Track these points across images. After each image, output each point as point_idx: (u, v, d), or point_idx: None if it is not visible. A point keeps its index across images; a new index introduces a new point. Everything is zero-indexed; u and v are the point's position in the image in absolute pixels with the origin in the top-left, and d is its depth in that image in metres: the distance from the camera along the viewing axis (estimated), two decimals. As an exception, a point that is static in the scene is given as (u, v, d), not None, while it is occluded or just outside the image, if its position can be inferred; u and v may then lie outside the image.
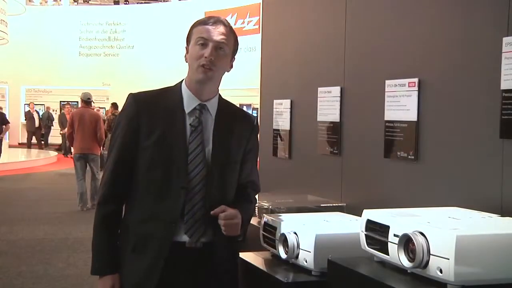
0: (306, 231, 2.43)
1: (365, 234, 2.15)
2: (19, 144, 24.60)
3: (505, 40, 2.27)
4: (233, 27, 2.30)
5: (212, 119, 2.21)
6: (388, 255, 2.00)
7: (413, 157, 2.74)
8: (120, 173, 2.19)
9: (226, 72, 2.26)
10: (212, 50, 2.12)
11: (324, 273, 2.30)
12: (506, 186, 2.28)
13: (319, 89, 3.54)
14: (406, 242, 1.90)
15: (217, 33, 2.14)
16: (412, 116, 2.75)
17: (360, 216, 2.21)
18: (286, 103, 3.95)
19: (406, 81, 2.79)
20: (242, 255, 2.69)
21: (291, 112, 3.92)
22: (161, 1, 27.15)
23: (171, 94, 2.22)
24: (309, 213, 2.99)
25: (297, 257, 2.45)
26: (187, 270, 2.15)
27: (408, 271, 1.92)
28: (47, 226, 8.35)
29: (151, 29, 24.55)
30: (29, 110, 23.08)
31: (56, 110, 24.50)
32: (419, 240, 1.84)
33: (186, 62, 2.20)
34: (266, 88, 4.38)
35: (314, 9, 3.75)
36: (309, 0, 3.86)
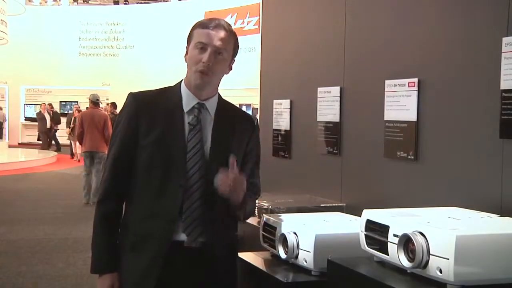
0: (306, 231, 2.43)
1: (365, 234, 2.15)
2: (19, 144, 24.59)
3: (505, 40, 2.28)
4: (233, 27, 2.29)
5: (211, 118, 2.21)
6: (388, 255, 2.00)
7: (412, 157, 2.74)
8: (120, 171, 2.19)
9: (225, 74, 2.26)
10: (211, 56, 2.12)
11: (324, 273, 2.30)
12: (505, 186, 2.28)
13: (319, 89, 3.54)
14: (406, 242, 1.90)
15: (216, 38, 2.13)
16: (411, 116, 2.75)
17: (360, 216, 2.21)
18: (286, 103, 3.95)
19: (405, 81, 2.79)
20: (242, 255, 2.69)
21: (290, 112, 3.92)
22: (161, 1, 27.14)
23: (170, 94, 2.22)
24: (308, 213, 2.99)
25: (296, 257, 2.45)
26: (186, 270, 2.15)
27: (408, 271, 1.92)
28: (47, 226, 8.34)
29: (151, 29, 24.55)
30: (40, 111, 22.70)
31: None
32: (418, 240, 1.84)
33: (186, 62, 2.20)
34: (266, 88, 4.38)
35: (314, 9, 3.75)
36: (309, 0, 3.86)
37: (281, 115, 4.01)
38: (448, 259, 1.75)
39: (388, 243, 2.00)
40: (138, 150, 2.15)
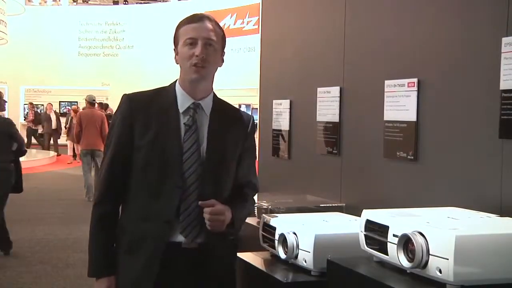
0: (306, 231, 2.43)
1: (365, 234, 2.15)
2: (18, 144, 24.54)
3: (505, 40, 2.28)
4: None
5: (207, 118, 2.20)
6: (388, 255, 2.00)
7: (412, 157, 2.74)
8: (116, 172, 2.18)
9: (219, 67, 2.25)
10: (202, 48, 2.10)
11: (324, 273, 2.30)
12: (505, 186, 2.28)
13: (319, 89, 3.54)
14: (406, 242, 1.90)
15: (204, 30, 2.12)
16: (411, 116, 2.75)
17: (360, 216, 2.21)
18: (286, 103, 3.95)
19: (405, 81, 2.79)
20: (242, 255, 2.69)
21: (290, 112, 3.92)
22: (160, 1, 27.13)
23: (165, 94, 2.21)
24: (308, 213, 2.99)
25: (296, 257, 2.45)
26: (183, 271, 2.14)
27: (408, 271, 1.92)
28: (47, 226, 8.34)
29: (150, 29, 24.53)
30: (46, 111, 22.36)
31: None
32: (418, 240, 1.84)
33: (177, 63, 2.19)
34: (266, 88, 4.38)
35: (313, 9, 3.75)
36: (309, 0, 3.86)
37: (281, 115, 4.01)
38: (447, 259, 1.75)
39: (388, 243, 2.00)
40: (134, 151, 2.14)
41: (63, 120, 22.05)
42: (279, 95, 4.06)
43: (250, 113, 2.40)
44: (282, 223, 2.60)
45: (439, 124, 2.63)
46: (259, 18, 5.15)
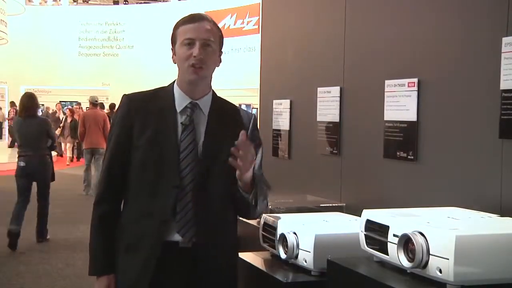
0: (306, 231, 2.43)
1: (365, 234, 2.15)
2: (19, 144, 24.55)
3: (505, 40, 2.28)
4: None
5: (205, 117, 2.18)
6: (388, 255, 2.00)
7: (412, 157, 2.74)
8: (115, 172, 2.19)
9: (217, 68, 2.23)
10: (200, 49, 2.09)
11: (324, 273, 2.30)
12: (505, 186, 2.28)
13: (319, 89, 3.54)
14: (406, 242, 1.90)
15: (202, 30, 2.12)
16: (411, 116, 2.75)
17: (360, 216, 2.21)
18: (286, 103, 3.95)
19: (405, 81, 2.79)
20: (242, 255, 2.69)
21: (290, 112, 3.92)
22: (160, 1, 27.13)
23: (163, 94, 2.21)
24: (308, 213, 2.99)
25: (296, 257, 2.45)
26: (181, 270, 2.13)
27: (408, 271, 1.92)
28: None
29: (150, 29, 24.54)
30: (54, 111, 21.79)
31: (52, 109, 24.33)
32: (418, 240, 1.84)
33: (174, 63, 2.19)
34: (266, 88, 4.38)
35: (313, 9, 3.75)
36: (309, 0, 3.86)
37: (281, 115, 4.01)
38: (448, 259, 1.75)
39: (388, 243, 2.00)
40: (132, 150, 2.14)
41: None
42: (279, 95, 4.06)
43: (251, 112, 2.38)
44: (282, 223, 2.60)
45: (439, 124, 2.63)
46: (259, 18, 5.16)
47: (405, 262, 1.90)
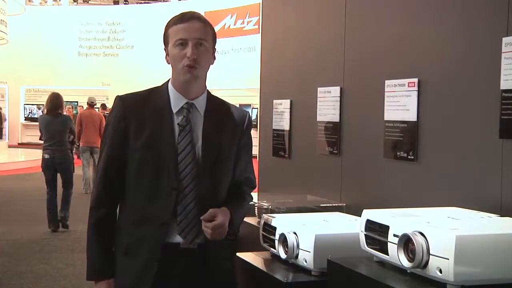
0: (306, 231, 2.43)
1: (365, 234, 2.15)
2: (19, 144, 24.57)
3: (505, 40, 2.27)
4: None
5: (201, 117, 2.17)
6: (388, 255, 2.00)
7: (412, 157, 2.74)
8: (111, 175, 2.16)
9: (213, 66, 2.23)
10: (193, 48, 2.07)
11: (324, 273, 2.30)
12: (505, 186, 2.28)
13: (319, 89, 3.54)
14: (406, 242, 1.90)
15: (194, 30, 2.09)
16: (411, 116, 2.75)
17: (360, 216, 2.21)
18: (286, 103, 3.95)
19: (405, 81, 2.79)
20: (242, 255, 2.69)
21: (290, 112, 3.91)
22: (160, 1, 27.14)
23: (158, 95, 2.18)
24: (308, 213, 2.99)
25: (296, 257, 2.45)
26: (182, 272, 2.12)
27: (408, 271, 1.92)
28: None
29: (151, 29, 24.52)
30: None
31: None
32: (418, 240, 1.84)
33: (168, 63, 2.17)
34: (266, 88, 4.38)
35: (313, 9, 3.75)
36: (309, 0, 3.86)
37: (281, 115, 4.01)
38: (448, 259, 1.75)
39: (388, 243, 2.00)
40: (129, 153, 2.12)
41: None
42: (279, 95, 4.06)
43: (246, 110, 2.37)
44: (283, 223, 2.60)
45: (439, 124, 2.63)
46: (259, 18, 5.16)
47: (405, 262, 1.90)
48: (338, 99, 3.36)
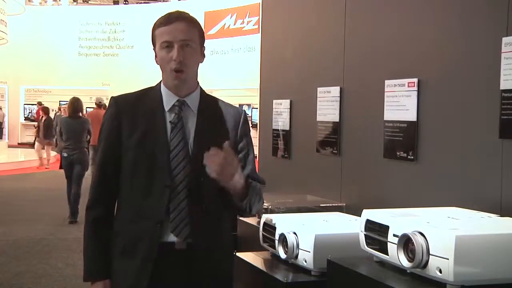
0: (306, 231, 2.43)
1: (365, 234, 2.15)
2: (18, 144, 24.56)
3: (505, 40, 2.28)
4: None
5: (194, 114, 2.16)
6: (388, 255, 2.00)
7: (412, 157, 2.74)
8: (107, 174, 2.16)
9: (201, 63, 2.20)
10: (179, 51, 2.07)
11: (324, 273, 2.30)
12: (505, 186, 2.28)
13: (319, 89, 3.54)
14: (406, 242, 1.90)
15: (178, 31, 2.08)
16: (411, 116, 2.75)
17: (360, 216, 2.21)
18: (286, 103, 3.95)
19: (405, 81, 2.79)
20: (242, 255, 2.69)
21: (290, 112, 3.92)
22: (160, 1, 27.14)
23: (151, 94, 2.19)
24: (308, 213, 2.99)
25: (296, 257, 2.45)
26: (177, 271, 2.10)
27: (408, 271, 1.93)
28: (46, 226, 8.34)
29: (150, 29, 24.54)
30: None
31: (53, 110, 24.32)
32: (418, 240, 1.84)
33: (158, 64, 2.16)
34: (266, 88, 4.38)
35: (313, 9, 3.75)
36: (309, 0, 3.86)
37: (281, 115, 4.01)
38: (447, 259, 1.75)
39: (388, 243, 2.00)
40: (123, 152, 2.12)
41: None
42: (279, 95, 4.06)
43: (242, 108, 2.34)
44: (282, 223, 2.60)
45: (439, 124, 2.63)
46: (259, 18, 5.16)
47: (405, 262, 1.90)
48: (338, 99, 3.36)
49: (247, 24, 21.39)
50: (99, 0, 28.29)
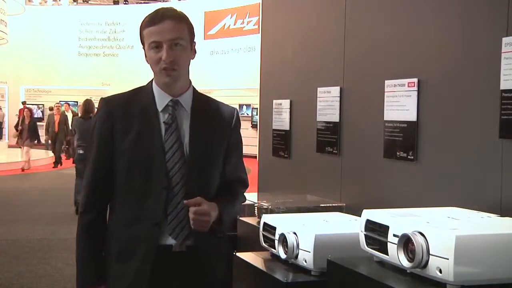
0: (306, 231, 2.43)
1: (365, 234, 2.15)
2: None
3: (505, 40, 2.28)
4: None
5: (188, 114, 2.13)
6: (388, 255, 2.00)
7: (412, 157, 2.74)
8: (100, 178, 2.12)
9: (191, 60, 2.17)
10: (168, 51, 2.02)
11: (324, 273, 2.30)
12: (505, 186, 2.28)
13: (319, 89, 3.54)
14: (406, 242, 1.90)
15: (167, 31, 2.03)
16: (411, 116, 2.75)
17: (360, 216, 2.21)
18: (286, 103, 3.95)
19: (405, 81, 2.79)
20: (242, 255, 2.69)
21: (290, 112, 3.92)
22: (160, 1, 27.15)
23: (143, 94, 2.15)
24: (308, 213, 2.99)
25: (296, 257, 2.45)
26: (176, 274, 2.08)
27: (408, 271, 1.92)
28: (47, 226, 8.35)
29: (150, 29, 24.54)
30: (64, 111, 19.87)
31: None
32: (418, 240, 1.84)
33: (148, 63, 2.11)
34: (266, 88, 4.38)
35: (313, 9, 3.75)
36: (308, 0, 3.86)
37: (281, 115, 4.01)
38: (448, 259, 1.75)
39: (388, 243, 2.00)
40: (116, 155, 2.08)
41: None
42: (279, 95, 4.06)
43: (234, 107, 2.29)
44: (282, 223, 2.60)
45: (439, 124, 2.63)
46: (259, 18, 5.16)
47: (405, 262, 1.90)
48: (338, 99, 3.36)
49: (247, 24, 21.40)
50: (99, 0, 28.31)
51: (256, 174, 4.45)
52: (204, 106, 2.19)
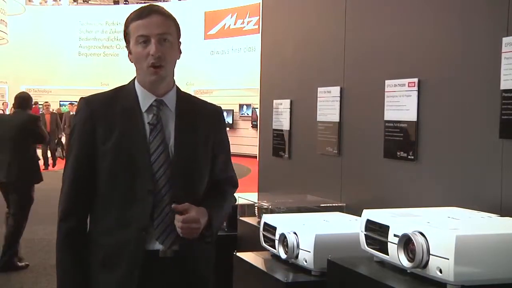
0: (306, 231, 2.44)
1: (365, 234, 2.15)
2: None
3: (505, 40, 2.28)
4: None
5: (173, 114, 2.05)
6: (388, 255, 2.00)
7: (412, 157, 2.74)
8: (80, 183, 2.02)
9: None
10: (157, 46, 1.94)
11: (324, 273, 2.30)
12: (505, 186, 2.28)
13: (319, 89, 3.54)
14: (406, 242, 1.90)
15: (155, 25, 1.96)
16: (411, 116, 2.75)
17: (360, 216, 2.21)
18: (286, 103, 3.95)
19: (405, 81, 2.79)
20: (242, 255, 2.70)
21: (290, 112, 3.92)
22: (160, 1, 27.15)
23: (125, 94, 2.06)
24: (308, 213, 2.99)
25: (296, 257, 2.45)
26: (163, 280, 2.01)
27: (408, 271, 1.93)
28: (47, 226, 8.32)
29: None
30: (69, 111, 19.52)
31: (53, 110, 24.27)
32: (418, 240, 1.84)
33: (131, 62, 2.03)
34: (266, 88, 4.38)
35: (313, 9, 3.76)
36: (308, 0, 3.86)
37: (281, 115, 4.01)
38: (448, 259, 1.75)
39: (388, 243, 2.00)
40: (98, 157, 1.98)
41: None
42: (279, 95, 4.06)
43: (218, 105, 2.23)
44: (283, 223, 2.61)
45: (439, 124, 2.63)
46: (259, 18, 5.16)
47: (405, 262, 1.90)
48: (338, 99, 3.36)
49: (247, 24, 21.40)
50: (99, 0, 28.29)
51: (256, 174, 4.45)
52: (189, 105, 2.12)
